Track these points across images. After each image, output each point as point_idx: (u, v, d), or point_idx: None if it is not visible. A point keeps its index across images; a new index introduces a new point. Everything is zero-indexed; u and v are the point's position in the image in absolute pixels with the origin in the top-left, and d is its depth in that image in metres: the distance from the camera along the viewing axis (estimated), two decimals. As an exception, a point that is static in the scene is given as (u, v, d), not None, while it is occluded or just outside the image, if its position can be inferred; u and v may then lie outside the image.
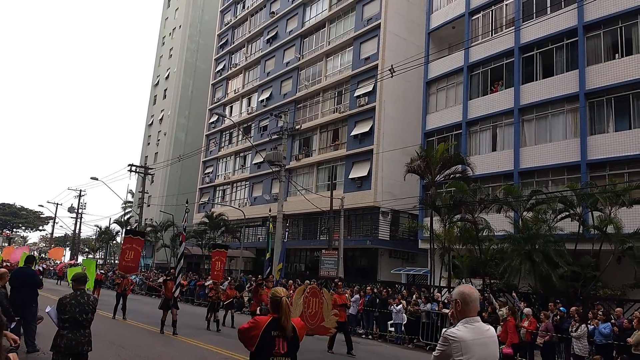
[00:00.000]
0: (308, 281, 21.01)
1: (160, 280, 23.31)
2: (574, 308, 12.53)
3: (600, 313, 12.17)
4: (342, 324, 11.56)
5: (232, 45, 47.05)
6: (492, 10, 24.75)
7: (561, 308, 13.12)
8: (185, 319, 17.20)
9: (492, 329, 3.07)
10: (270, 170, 29.02)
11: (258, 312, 12.52)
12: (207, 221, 35.36)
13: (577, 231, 16.97)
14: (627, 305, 13.70)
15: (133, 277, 24.58)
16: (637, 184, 16.37)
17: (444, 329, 3.14)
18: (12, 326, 5.21)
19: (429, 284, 21.55)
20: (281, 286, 12.01)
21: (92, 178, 41.32)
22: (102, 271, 30.32)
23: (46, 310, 5.08)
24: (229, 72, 46.60)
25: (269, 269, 14.56)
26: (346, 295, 14.28)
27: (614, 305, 13.83)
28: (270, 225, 14.93)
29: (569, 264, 15.94)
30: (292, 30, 38.56)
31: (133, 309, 17.30)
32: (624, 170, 18.78)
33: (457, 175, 21.35)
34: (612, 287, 16.20)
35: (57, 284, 33.60)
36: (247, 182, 40.28)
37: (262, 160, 32.23)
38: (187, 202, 17.75)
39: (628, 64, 19.01)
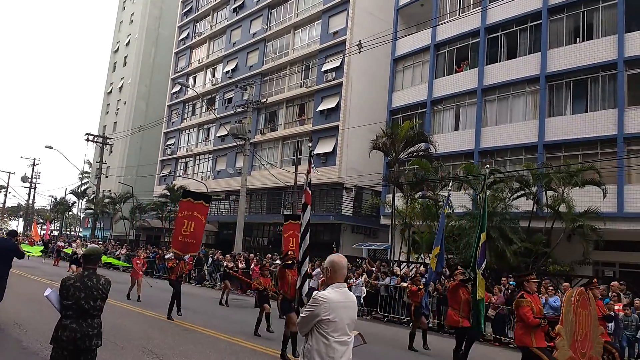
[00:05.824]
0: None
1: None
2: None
3: (551, 287, 12.73)
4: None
5: (197, 13, 45.42)
6: (460, -11, 24.77)
7: (511, 282, 13.65)
8: (198, 303, 15.20)
9: (353, 295, 3.54)
10: (235, 144, 28.53)
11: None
12: (168, 194, 34.64)
13: (531, 209, 17.60)
14: (575, 280, 14.41)
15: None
16: (589, 165, 17.08)
17: (315, 292, 3.42)
18: None
19: (389, 258, 21.96)
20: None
21: (46, 147, 39.30)
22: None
23: (45, 294, 4.37)
24: (193, 41, 45.10)
25: (484, 262, 8.67)
26: (599, 298, 8.90)
27: (563, 280, 14.52)
28: (484, 187, 9.41)
29: (523, 241, 16.53)
30: (259, 0, 37.54)
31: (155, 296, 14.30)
32: (578, 152, 19.48)
33: (420, 153, 21.64)
34: (562, 263, 16.94)
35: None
36: (211, 155, 39.54)
37: (226, 133, 31.57)
38: (310, 143, 14.52)
39: (588, 49, 19.51)
